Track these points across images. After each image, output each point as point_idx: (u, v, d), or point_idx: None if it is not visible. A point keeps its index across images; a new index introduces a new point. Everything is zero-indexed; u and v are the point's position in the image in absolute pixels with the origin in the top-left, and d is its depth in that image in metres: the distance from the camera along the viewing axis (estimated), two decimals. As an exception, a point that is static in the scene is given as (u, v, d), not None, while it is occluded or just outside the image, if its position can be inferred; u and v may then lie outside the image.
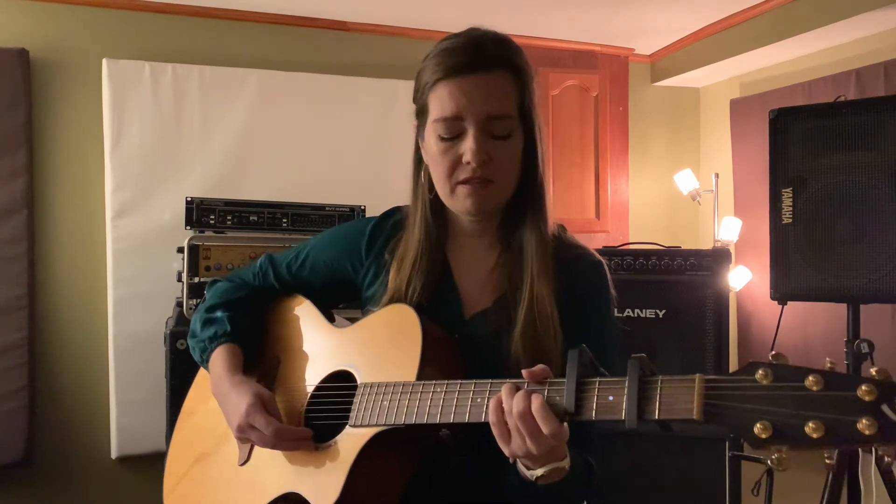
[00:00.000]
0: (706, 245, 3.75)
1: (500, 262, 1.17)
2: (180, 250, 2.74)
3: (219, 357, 1.26)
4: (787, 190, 2.19)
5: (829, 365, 0.76)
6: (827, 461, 0.70)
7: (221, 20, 3.42)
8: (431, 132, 1.13)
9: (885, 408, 0.71)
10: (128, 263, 3.16)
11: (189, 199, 2.83)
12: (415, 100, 1.17)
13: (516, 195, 1.16)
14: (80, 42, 3.23)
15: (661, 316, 2.60)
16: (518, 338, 1.09)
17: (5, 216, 3.05)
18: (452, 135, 1.10)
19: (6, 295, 3.03)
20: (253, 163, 3.35)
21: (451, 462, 1.10)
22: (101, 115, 3.20)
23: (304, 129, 3.43)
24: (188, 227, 2.81)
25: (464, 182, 1.10)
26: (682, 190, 3.71)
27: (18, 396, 3.03)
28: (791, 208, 2.18)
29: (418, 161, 1.21)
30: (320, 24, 3.55)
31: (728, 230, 3.47)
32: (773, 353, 0.80)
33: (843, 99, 2.23)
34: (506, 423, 0.93)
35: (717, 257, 2.59)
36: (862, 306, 2.17)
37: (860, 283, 2.08)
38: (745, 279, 3.53)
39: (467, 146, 1.08)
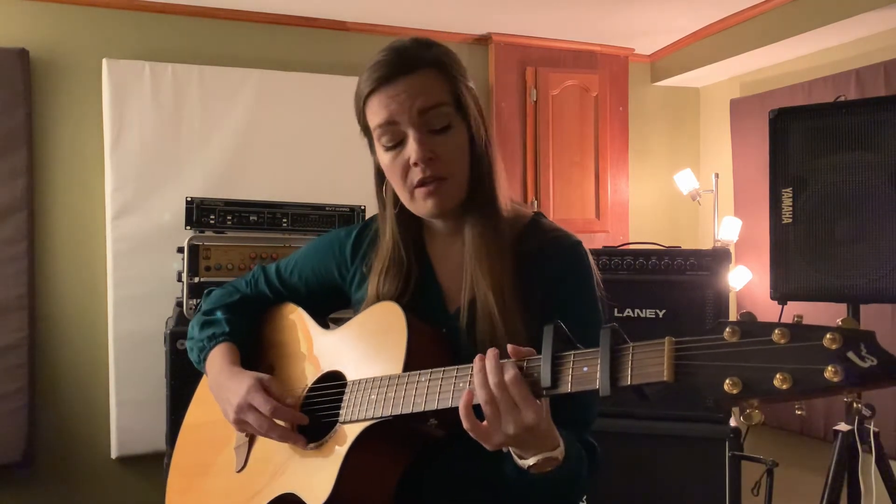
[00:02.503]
0: (706, 245, 3.76)
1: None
2: (180, 250, 2.74)
3: (218, 354, 1.29)
4: (787, 190, 2.19)
5: (795, 318, 0.78)
6: (798, 412, 0.72)
7: (221, 20, 3.42)
8: (379, 146, 1.15)
9: (850, 354, 0.72)
10: (128, 263, 3.16)
11: (189, 199, 2.83)
12: (358, 121, 1.19)
13: (471, 190, 1.16)
14: (80, 42, 3.23)
15: (661, 316, 2.60)
16: (464, 328, 1.11)
17: (5, 216, 3.05)
18: (395, 141, 1.12)
19: (6, 295, 3.03)
20: (253, 163, 3.35)
21: (443, 455, 1.10)
22: (101, 115, 3.20)
23: (304, 129, 3.44)
24: (188, 227, 2.81)
25: (419, 185, 1.12)
26: (682, 190, 3.71)
27: (18, 396, 3.03)
28: (791, 208, 2.18)
29: (379, 178, 1.23)
30: (320, 24, 3.56)
31: (728, 230, 3.47)
32: (742, 311, 0.81)
33: (843, 99, 2.23)
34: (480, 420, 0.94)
35: (717, 257, 2.59)
36: (862, 306, 2.17)
37: (860, 283, 2.08)
38: (745, 279, 3.53)
39: (410, 148, 1.10)
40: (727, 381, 0.77)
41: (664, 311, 2.60)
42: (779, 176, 2.22)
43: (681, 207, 4.10)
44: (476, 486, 1.11)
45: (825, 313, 2.74)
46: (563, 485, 1.03)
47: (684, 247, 2.81)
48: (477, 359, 0.97)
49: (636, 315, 2.61)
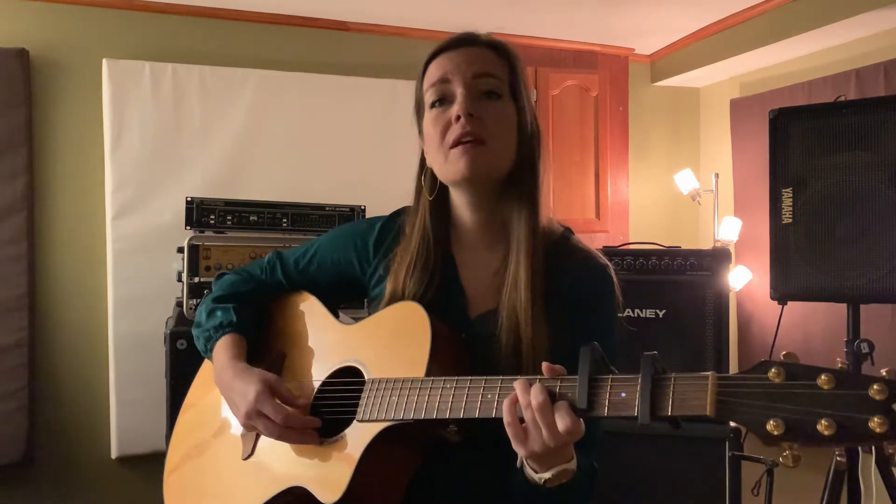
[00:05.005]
0: (706, 245, 3.76)
1: (504, 262, 1.17)
2: (180, 250, 2.74)
3: (223, 346, 1.27)
4: (787, 190, 2.19)
5: (840, 364, 0.78)
6: (838, 457, 0.72)
7: (221, 20, 3.42)
8: (427, 110, 1.17)
9: (895, 406, 0.72)
10: (128, 263, 3.16)
11: (189, 199, 2.83)
12: (415, 100, 1.22)
13: (512, 182, 1.16)
14: (80, 42, 3.23)
15: (661, 316, 2.60)
16: (503, 328, 1.09)
17: (5, 216, 3.05)
18: (443, 98, 1.14)
19: (6, 295, 3.03)
20: (253, 163, 3.35)
21: (454, 457, 1.10)
22: (101, 115, 3.20)
23: (304, 129, 3.44)
24: (188, 227, 2.81)
25: (455, 144, 1.12)
26: (682, 190, 3.71)
27: (18, 396, 3.03)
28: (791, 208, 2.18)
29: (422, 165, 1.23)
30: (320, 24, 3.55)
31: (728, 230, 3.47)
32: (785, 353, 0.81)
33: (843, 99, 2.22)
34: (520, 422, 0.93)
35: (717, 257, 2.59)
36: (862, 306, 2.17)
37: (860, 283, 2.08)
38: (745, 279, 3.53)
39: (456, 104, 1.12)
40: (770, 421, 0.77)
41: (664, 311, 2.60)
42: (779, 176, 2.21)
43: (681, 207, 4.10)
44: (486, 490, 1.11)
45: (825, 313, 2.75)
46: (570, 496, 1.03)
47: (684, 247, 2.80)
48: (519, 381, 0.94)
49: (636, 315, 2.61)
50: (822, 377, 0.76)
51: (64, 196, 3.21)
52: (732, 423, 2.51)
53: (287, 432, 1.12)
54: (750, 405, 0.79)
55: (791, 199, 2.18)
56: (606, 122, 3.91)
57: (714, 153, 4.12)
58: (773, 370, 0.79)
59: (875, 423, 0.72)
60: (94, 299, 3.22)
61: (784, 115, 2.22)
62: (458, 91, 1.12)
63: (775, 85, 3.63)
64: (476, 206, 1.18)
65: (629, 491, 2.50)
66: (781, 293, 2.21)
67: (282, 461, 1.16)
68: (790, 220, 2.18)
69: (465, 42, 1.17)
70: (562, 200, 3.81)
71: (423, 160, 1.23)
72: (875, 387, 0.73)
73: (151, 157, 3.21)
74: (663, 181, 4.10)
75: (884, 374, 0.75)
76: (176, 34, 3.36)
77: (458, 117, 1.11)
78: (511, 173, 1.16)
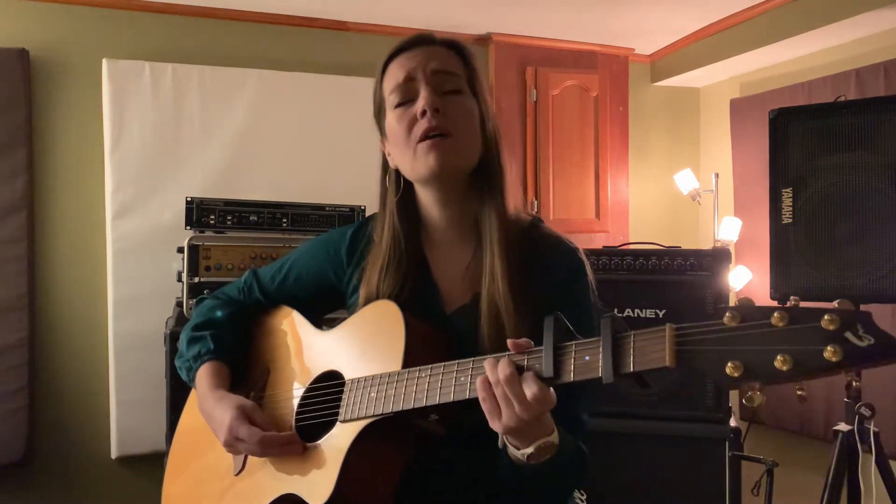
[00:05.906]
0: (706, 245, 3.76)
1: (475, 256, 1.19)
2: (180, 250, 2.74)
3: (203, 375, 1.28)
4: (787, 190, 2.19)
5: (792, 301, 0.78)
6: (798, 392, 0.72)
7: (221, 20, 3.42)
8: (390, 111, 1.18)
9: (848, 334, 0.73)
10: (128, 263, 3.16)
11: (189, 199, 2.83)
12: (374, 102, 1.23)
13: (478, 177, 1.18)
14: (80, 42, 3.23)
15: (661, 316, 2.60)
16: (485, 319, 1.11)
17: (5, 216, 3.05)
18: (406, 98, 1.15)
19: (6, 295, 3.03)
20: (253, 163, 3.35)
21: (445, 457, 1.11)
22: (101, 115, 3.20)
23: (304, 129, 3.44)
24: (188, 227, 2.81)
25: (422, 139, 1.13)
26: (682, 190, 3.71)
27: (18, 396, 3.03)
28: (791, 208, 2.18)
29: (384, 169, 1.25)
30: (320, 24, 3.56)
31: (728, 230, 3.47)
32: (740, 297, 0.82)
33: (843, 99, 2.22)
34: (494, 398, 0.94)
35: (717, 257, 2.59)
36: (862, 306, 2.16)
37: (860, 283, 2.08)
38: (745, 279, 3.53)
39: (420, 99, 1.14)
40: (729, 364, 0.78)
41: (664, 311, 2.59)
42: (779, 176, 2.21)
43: (681, 207, 4.10)
44: (478, 485, 1.11)
45: (825, 313, 2.73)
46: (557, 475, 1.03)
47: (684, 247, 2.80)
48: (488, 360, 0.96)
49: (636, 315, 2.61)
50: (775, 315, 0.77)
51: (64, 196, 3.22)
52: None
53: (267, 451, 1.14)
54: (708, 351, 0.81)
55: (791, 199, 2.18)
56: (606, 122, 3.91)
57: (714, 153, 4.12)
58: (727, 314, 0.80)
59: (829, 353, 0.73)
60: (94, 299, 3.22)
61: (784, 115, 2.22)
62: (422, 87, 1.14)
63: (775, 85, 3.63)
64: (444, 203, 1.20)
65: (629, 491, 2.50)
66: (781, 293, 2.21)
67: (272, 471, 1.17)
68: (790, 220, 2.18)
69: (422, 41, 1.19)
70: (562, 200, 3.82)
71: (384, 163, 1.25)
72: (826, 317, 0.74)
73: (151, 157, 3.21)
74: (663, 181, 4.10)
75: (836, 304, 0.76)
76: (176, 34, 3.36)
77: (424, 112, 1.12)
78: (476, 168, 1.18)
